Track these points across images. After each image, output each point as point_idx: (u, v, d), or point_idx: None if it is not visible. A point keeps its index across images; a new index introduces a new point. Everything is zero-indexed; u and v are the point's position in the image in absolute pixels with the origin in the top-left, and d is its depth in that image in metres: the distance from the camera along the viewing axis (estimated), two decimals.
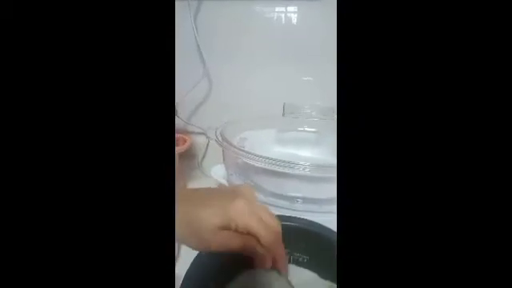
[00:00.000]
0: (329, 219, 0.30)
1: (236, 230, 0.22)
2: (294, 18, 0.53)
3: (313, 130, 0.49)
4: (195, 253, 0.26)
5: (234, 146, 0.39)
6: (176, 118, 0.54)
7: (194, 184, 0.58)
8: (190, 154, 0.61)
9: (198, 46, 0.55)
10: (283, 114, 0.46)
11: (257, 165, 0.35)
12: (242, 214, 0.22)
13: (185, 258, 0.25)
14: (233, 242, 0.22)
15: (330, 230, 0.29)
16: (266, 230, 0.23)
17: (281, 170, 0.34)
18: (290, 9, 0.53)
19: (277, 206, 0.37)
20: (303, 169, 0.34)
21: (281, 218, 0.31)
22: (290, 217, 0.31)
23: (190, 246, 0.22)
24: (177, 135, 0.50)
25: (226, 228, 0.22)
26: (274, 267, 0.24)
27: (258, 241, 0.22)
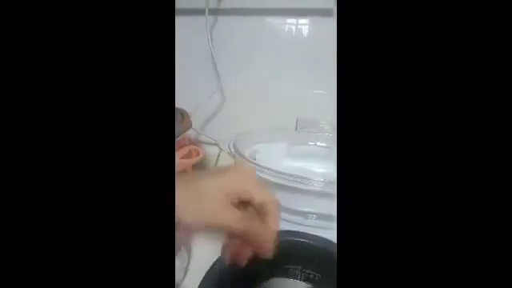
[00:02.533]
0: None
1: (241, 202, 0.21)
2: (305, 29, 0.54)
3: (324, 144, 0.48)
4: (206, 267, 0.26)
5: (247, 159, 0.39)
6: (190, 130, 0.55)
7: None
8: (201, 164, 0.62)
9: (214, 59, 0.56)
10: (296, 129, 0.46)
11: (269, 179, 0.36)
12: (248, 182, 0.21)
13: (194, 273, 0.25)
14: (237, 223, 0.20)
15: None
16: (269, 197, 0.22)
17: (293, 185, 0.34)
18: (302, 21, 0.54)
19: (288, 221, 0.37)
20: (317, 185, 0.33)
21: (293, 234, 0.31)
22: (302, 233, 0.31)
23: (197, 225, 0.20)
24: (190, 147, 0.51)
25: (233, 197, 0.20)
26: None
27: (260, 210, 0.22)
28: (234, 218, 0.20)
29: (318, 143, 0.48)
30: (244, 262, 0.22)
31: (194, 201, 0.19)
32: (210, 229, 0.20)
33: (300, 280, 0.31)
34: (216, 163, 0.64)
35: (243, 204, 0.21)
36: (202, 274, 0.25)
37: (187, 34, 0.56)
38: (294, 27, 0.54)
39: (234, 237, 0.22)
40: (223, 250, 0.22)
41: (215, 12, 0.55)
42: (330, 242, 0.30)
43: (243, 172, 0.22)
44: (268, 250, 0.22)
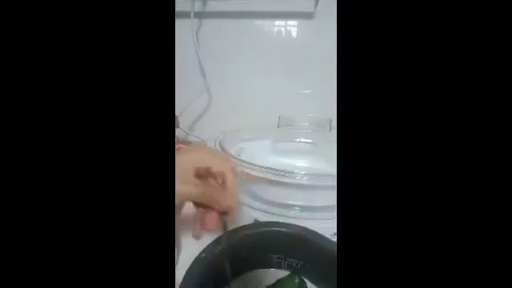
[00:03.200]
0: (323, 226, 0.31)
1: (206, 175, 0.24)
2: (294, 31, 0.56)
3: (308, 140, 0.50)
4: (194, 257, 0.27)
5: (233, 156, 0.40)
6: (177, 129, 0.56)
7: None
8: None
9: (200, 60, 0.58)
10: (278, 126, 0.48)
11: (254, 174, 0.37)
12: (209, 158, 0.25)
13: (184, 264, 0.26)
14: (197, 189, 0.24)
15: (324, 237, 0.30)
16: (226, 166, 0.25)
17: (277, 178, 0.36)
18: (290, 23, 0.55)
19: (273, 214, 0.38)
20: (299, 178, 0.35)
21: (276, 224, 0.33)
22: (284, 223, 0.32)
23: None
24: (178, 145, 0.52)
25: (199, 173, 0.24)
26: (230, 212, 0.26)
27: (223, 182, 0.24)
28: (195, 187, 0.24)
29: (302, 139, 0.50)
30: (214, 226, 0.25)
31: None
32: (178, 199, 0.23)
33: (283, 268, 0.32)
34: None
35: (205, 176, 0.24)
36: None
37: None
38: (281, 28, 0.56)
39: (199, 206, 0.25)
40: (192, 221, 0.26)
41: (201, 15, 0.56)
42: (312, 231, 0.31)
43: (203, 149, 0.26)
44: (230, 208, 0.25)
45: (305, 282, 0.31)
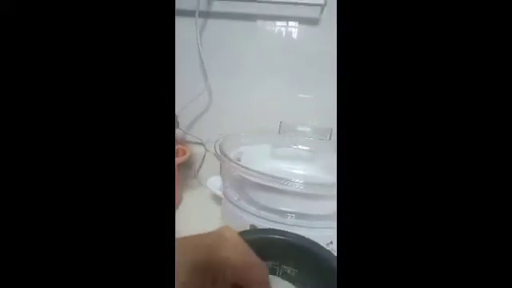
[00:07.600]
0: (318, 234, 0.31)
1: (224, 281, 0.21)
2: (295, 32, 0.56)
3: (307, 148, 0.51)
4: None
5: (232, 160, 0.41)
6: (176, 129, 0.56)
7: (190, 193, 0.59)
8: (187, 163, 0.63)
9: (202, 60, 0.57)
10: (279, 132, 0.48)
11: (252, 179, 0.37)
12: (228, 265, 0.21)
13: None
14: None
15: (319, 245, 0.31)
16: (253, 280, 0.22)
17: (275, 185, 0.36)
18: (291, 23, 0.55)
19: (269, 220, 0.39)
20: (297, 186, 0.35)
21: (272, 231, 0.33)
22: (281, 231, 0.32)
23: None
24: (176, 146, 0.51)
25: (215, 280, 0.20)
26: None
27: None
28: None
29: (300, 146, 0.51)
30: None
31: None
32: None
33: (278, 275, 0.33)
34: (202, 163, 0.65)
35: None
36: None
37: (176, 34, 0.57)
38: (283, 29, 0.56)
39: None
40: None
41: (205, 14, 0.56)
42: (308, 240, 0.31)
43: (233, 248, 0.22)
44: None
45: None
